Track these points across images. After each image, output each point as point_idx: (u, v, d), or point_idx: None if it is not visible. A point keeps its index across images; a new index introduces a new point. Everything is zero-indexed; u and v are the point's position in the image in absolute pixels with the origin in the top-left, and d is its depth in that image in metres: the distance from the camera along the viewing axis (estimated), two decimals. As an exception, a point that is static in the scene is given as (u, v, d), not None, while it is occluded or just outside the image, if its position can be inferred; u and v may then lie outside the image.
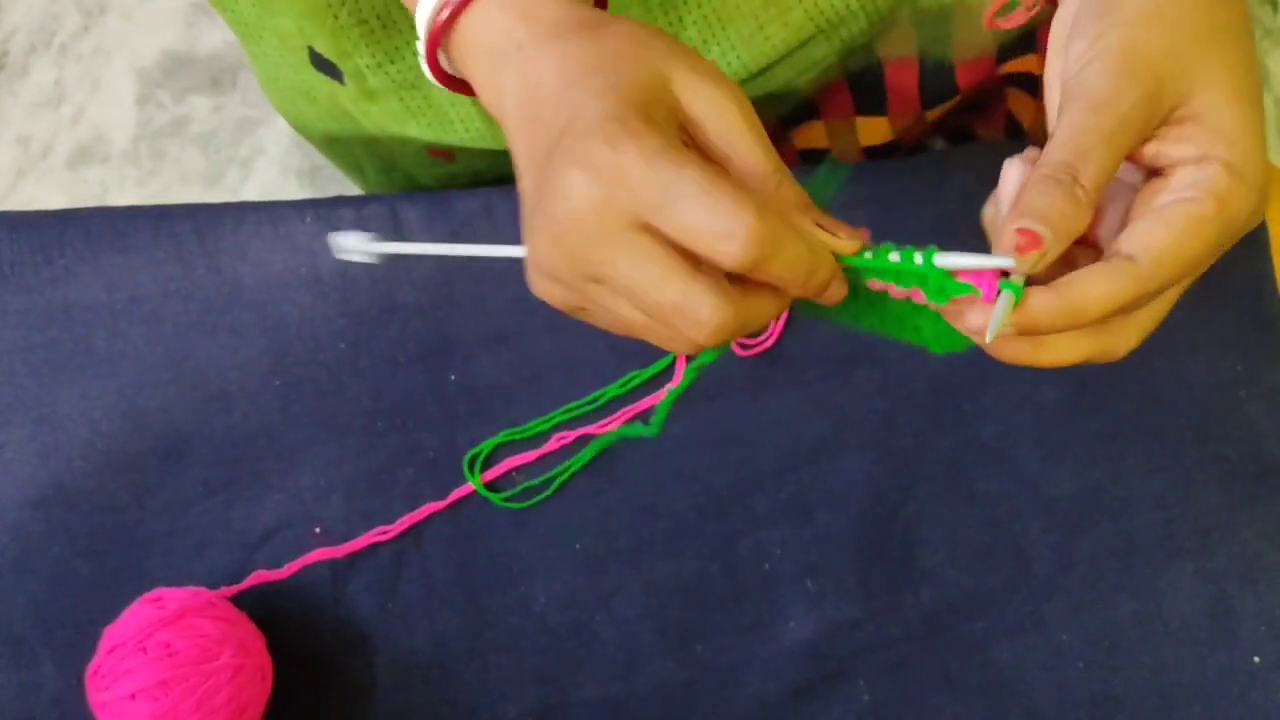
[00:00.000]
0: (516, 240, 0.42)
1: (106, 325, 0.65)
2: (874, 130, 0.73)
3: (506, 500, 0.65)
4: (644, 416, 0.66)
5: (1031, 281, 0.37)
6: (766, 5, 0.60)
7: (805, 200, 0.40)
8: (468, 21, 0.43)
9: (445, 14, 0.43)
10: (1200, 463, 0.68)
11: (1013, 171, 0.40)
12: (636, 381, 0.66)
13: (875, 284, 0.41)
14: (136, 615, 0.57)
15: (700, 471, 0.66)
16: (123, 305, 0.65)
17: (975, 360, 0.67)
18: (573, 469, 0.65)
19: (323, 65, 0.66)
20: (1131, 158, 0.40)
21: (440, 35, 0.43)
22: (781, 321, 0.67)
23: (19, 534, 0.62)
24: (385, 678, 0.62)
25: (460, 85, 0.46)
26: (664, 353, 0.66)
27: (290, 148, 1.49)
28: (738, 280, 0.38)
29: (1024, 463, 0.67)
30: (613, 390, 0.66)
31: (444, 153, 0.72)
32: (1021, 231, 0.36)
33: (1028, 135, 0.77)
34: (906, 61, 0.68)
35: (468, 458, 0.65)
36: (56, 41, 1.54)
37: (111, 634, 0.57)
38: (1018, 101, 0.77)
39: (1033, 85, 0.74)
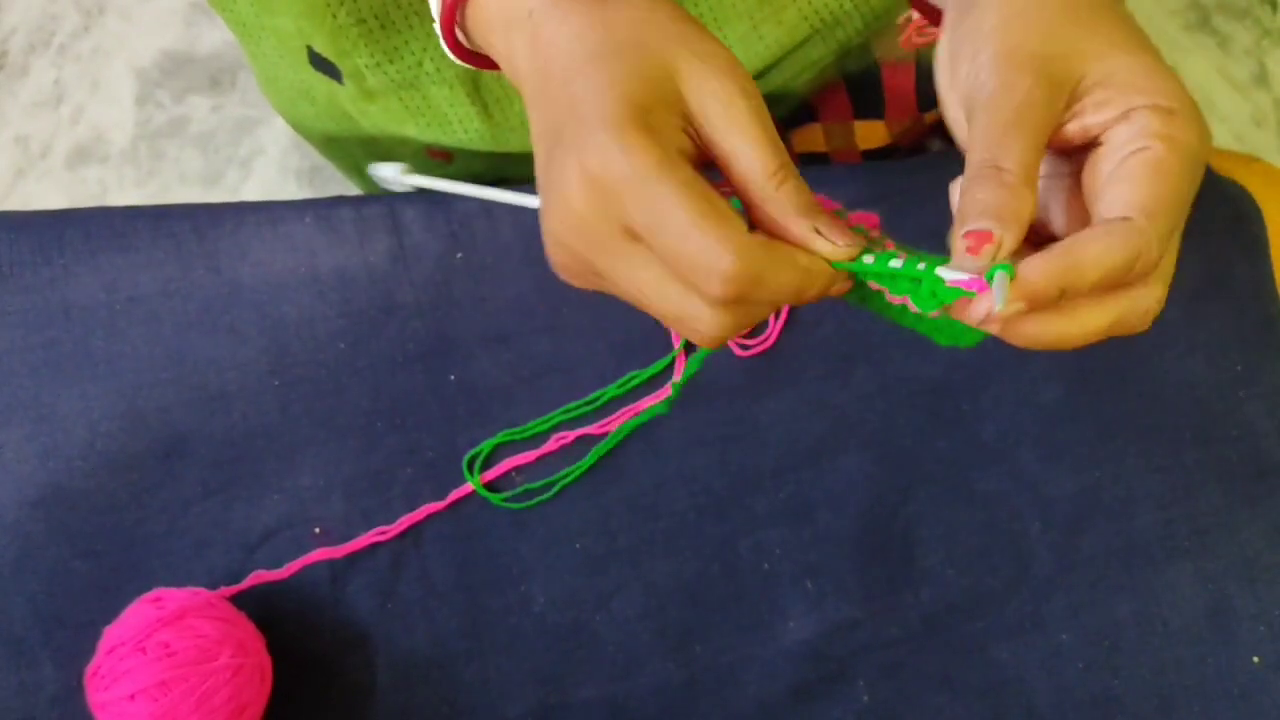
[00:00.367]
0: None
1: (106, 325, 0.64)
2: (871, 134, 0.73)
3: (506, 500, 0.65)
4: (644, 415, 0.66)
5: None
6: (761, 4, 0.60)
7: (807, 202, 0.40)
8: None
9: None
10: (1200, 463, 0.68)
11: (958, 192, 0.40)
12: (636, 382, 0.66)
13: (874, 285, 0.41)
14: (136, 615, 0.57)
15: (700, 471, 0.66)
16: (122, 305, 0.65)
17: (975, 360, 0.67)
18: (577, 472, 0.65)
19: (321, 65, 0.66)
20: (1060, 145, 0.40)
21: (455, 8, 0.44)
22: (781, 321, 0.67)
23: (19, 534, 0.62)
24: (385, 678, 0.62)
25: (482, 60, 0.46)
26: (664, 353, 0.66)
27: (290, 148, 1.49)
28: None
29: (1024, 463, 0.67)
30: (612, 390, 0.66)
31: (442, 154, 0.72)
32: (967, 234, 0.37)
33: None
34: (903, 63, 0.68)
35: (467, 458, 0.65)
36: (55, 41, 1.54)
37: (111, 634, 0.57)
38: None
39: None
